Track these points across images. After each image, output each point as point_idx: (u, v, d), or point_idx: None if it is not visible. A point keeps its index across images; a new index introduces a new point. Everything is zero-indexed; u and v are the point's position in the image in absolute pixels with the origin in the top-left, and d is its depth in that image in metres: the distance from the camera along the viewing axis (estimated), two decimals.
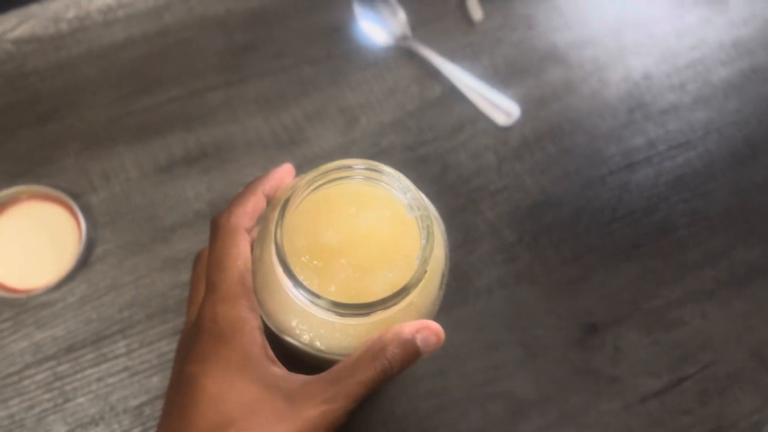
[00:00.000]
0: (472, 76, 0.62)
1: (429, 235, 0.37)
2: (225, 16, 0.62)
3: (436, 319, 0.37)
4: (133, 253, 0.55)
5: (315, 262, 0.39)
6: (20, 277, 0.53)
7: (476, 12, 0.64)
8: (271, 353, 0.35)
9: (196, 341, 0.34)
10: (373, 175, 0.39)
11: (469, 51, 0.64)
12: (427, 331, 0.34)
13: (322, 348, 0.40)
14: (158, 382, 0.52)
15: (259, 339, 0.35)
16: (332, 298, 0.36)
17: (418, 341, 0.34)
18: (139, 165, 0.57)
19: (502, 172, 0.60)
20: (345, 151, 0.59)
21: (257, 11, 0.63)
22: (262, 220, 0.41)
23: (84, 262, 0.54)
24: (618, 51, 0.66)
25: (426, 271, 0.37)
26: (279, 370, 0.34)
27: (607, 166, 0.62)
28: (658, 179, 0.62)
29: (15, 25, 0.60)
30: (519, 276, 0.57)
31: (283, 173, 0.41)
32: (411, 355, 0.34)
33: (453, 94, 0.62)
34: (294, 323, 0.39)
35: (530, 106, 0.62)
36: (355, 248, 0.40)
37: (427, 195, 0.40)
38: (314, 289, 0.38)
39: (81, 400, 0.51)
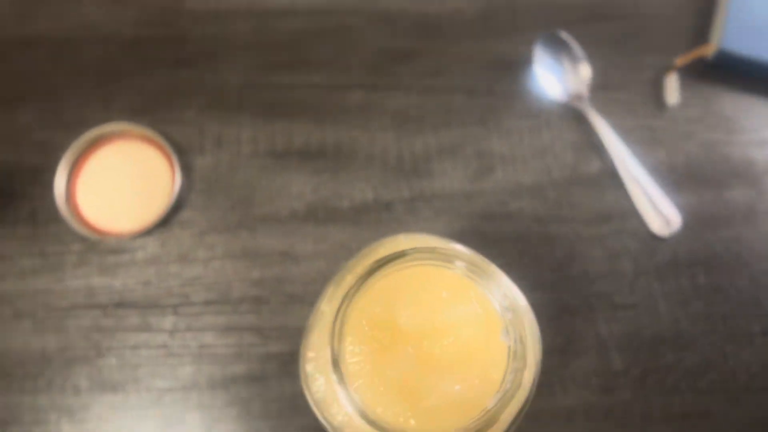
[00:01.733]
0: (641, 166, 0.53)
1: (515, 379, 0.30)
2: (396, 13, 0.56)
3: None
4: (216, 230, 0.51)
5: (380, 337, 0.33)
6: (100, 215, 0.51)
7: (672, 95, 0.55)
8: None
9: None
10: (476, 274, 0.32)
11: (648, 136, 0.54)
12: None
13: None
14: (190, 373, 0.48)
15: None
16: (382, 390, 0.30)
17: None
18: (255, 141, 0.53)
19: (634, 287, 0.51)
20: (467, 200, 0.52)
21: (431, 18, 0.56)
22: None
23: (165, 221, 0.51)
24: None
25: (500, 415, 0.30)
26: None
27: (761, 324, 0.51)
28: None
29: None
30: (609, 413, 0.48)
31: None
32: None
33: (611, 177, 0.53)
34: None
35: (696, 222, 0.52)
36: (429, 341, 0.33)
37: (541, 281, 0.32)
38: (366, 370, 0.32)
39: (112, 360, 0.48)
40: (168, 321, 0.49)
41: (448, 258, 0.32)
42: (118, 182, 0.51)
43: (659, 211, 0.52)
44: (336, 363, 0.30)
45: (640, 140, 0.54)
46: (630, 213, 0.53)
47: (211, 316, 0.49)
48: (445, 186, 0.53)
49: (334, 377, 0.30)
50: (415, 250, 0.32)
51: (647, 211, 0.52)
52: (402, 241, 0.34)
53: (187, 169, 0.52)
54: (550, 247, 0.52)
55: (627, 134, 0.54)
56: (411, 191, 0.52)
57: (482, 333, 0.33)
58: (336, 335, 0.31)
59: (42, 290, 0.50)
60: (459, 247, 0.33)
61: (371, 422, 0.30)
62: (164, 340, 0.49)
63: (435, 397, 0.32)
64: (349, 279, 0.35)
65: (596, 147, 0.54)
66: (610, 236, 0.52)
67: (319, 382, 0.35)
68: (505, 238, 0.52)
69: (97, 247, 0.51)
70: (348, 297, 0.32)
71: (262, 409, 0.48)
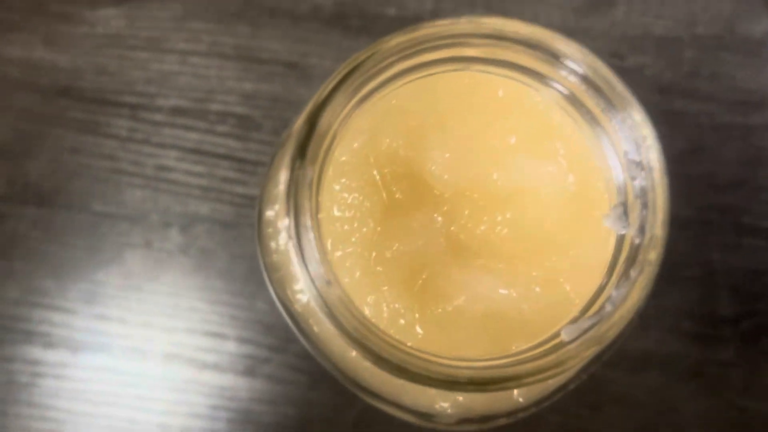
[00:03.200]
0: None
1: (627, 297, 0.16)
2: None
3: None
4: (206, 16, 0.37)
5: (392, 188, 0.19)
6: None
7: None
8: None
9: None
10: (593, 102, 0.17)
11: None
12: None
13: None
14: (140, 200, 0.36)
15: None
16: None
17: None
18: None
19: None
20: None
21: None
22: None
23: None
24: None
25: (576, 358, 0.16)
26: None
27: None
28: None
29: None
30: (699, 370, 0.34)
31: None
32: None
33: None
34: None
35: None
36: (474, 211, 0.19)
37: None
38: (361, 236, 0.19)
39: (41, 163, 0.36)
40: (121, 126, 0.36)
41: (545, 56, 0.16)
42: None
43: None
44: (296, 185, 0.16)
45: None
46: None
47: (179, 131, 0.36)
48: (539, 15, 0.37)
49: (288, 218, 0.16)
50: (485, 32, 0.17)
51: None
52: (464, 25, 0.19)
53: None
54: (670, 130, 0.36)
55: None
56: (488, 11, 0.36)
57: (568, 211, 0.19)
58: (312, 148, 0.17)
59: None
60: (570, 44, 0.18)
61: (342, 316, 0.16)
62: (113, 150, 0.36)
63: (463, 300, 0.19)
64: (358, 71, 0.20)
65: None
66: (759, 131, 0.36)
67: (282, 240, 0.21)
68: None
69: (45, 9, 0.37)
70: (345, 92, 0.17)
71: (225, 266, 0.35)
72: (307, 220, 0.15)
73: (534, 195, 0.19)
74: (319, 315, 0.17)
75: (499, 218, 0.19)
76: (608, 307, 0.15)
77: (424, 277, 0.19)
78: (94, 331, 0.35)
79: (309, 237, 0.15)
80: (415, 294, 0.19)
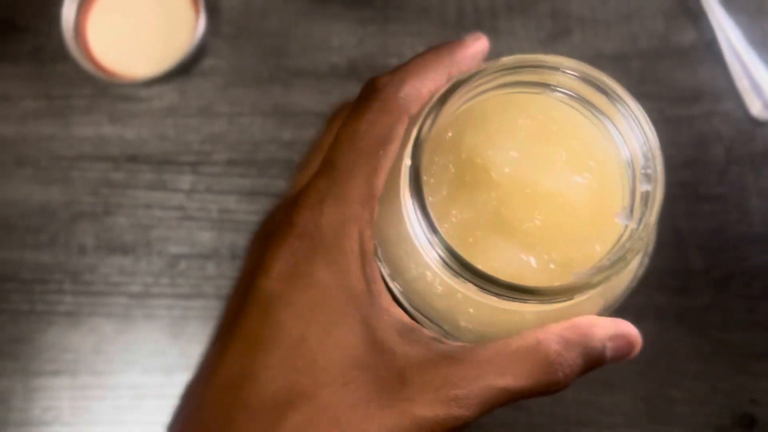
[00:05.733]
0: (745, 38, 0.45)
1: (634, 246, 0.23)
2: None
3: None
4: (244, 83, 0.44)
5: (464, 171, 0.26)
6: (113, 55, 0.44)
7: None
8: (382, 287, 0.24)
9: (283, 236, 0.23)
10: (603, 104, 0.25)
11: (754, 4, 0.46)
12: (623, 340, 0.25)
13: (447, 330, 0.28)
14: (209, 240, 0.43)
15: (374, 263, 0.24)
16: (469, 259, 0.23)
17: (609, 352, 0.24)
18: None
19: (724, 178, 0.44)
20: None
21: None
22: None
23: (186, 69, 0.44)
24: None
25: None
26: (397, 317, 0.23)
27: None
28: None
29: None
30: (683, 315, 0.42)
31: (479, 49, 0.27)
32: (592, 366, 0.24)
33: (708, 51, 0.45)
34: (414, 277, 0.27)
35: None
36: (520, 198, 0.26)
37: None
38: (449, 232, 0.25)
39: (121, 219, 0.43)
40: (186, 180, 0.43)
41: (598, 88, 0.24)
42: (134, 19, 0.44)
43: (761, 91, 0.44)
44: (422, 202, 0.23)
45: (745, 9, 0.46)
46: (726, 92, 0.45)
47: (235, 179, 0.43)
48: (512, 49, 0.45)
49: (408, 185, 0.23)
50: (524, 59, 0.25)
51: (746, 91, 0.44)
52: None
53: (212, 11, 0.45)
54: None
55: (730, 1, 0.46)
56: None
57: (590, 213, 0.26)
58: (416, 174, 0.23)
59: (46, 137, 0.44)
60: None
61: (463, 264, 0.23)
62: (181, 201, 0.43)
63: (498, 263, 0.26)
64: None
65: (693, 14, 0.46)
66: (700, 118, 0.45)
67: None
68: None
69: (109, 92, 0.44)
70: (424, 129, 0.24)
71: None
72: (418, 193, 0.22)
73: (566, 198, 0.26)
74: (429, 277, 0.24)
75: (537, 211, 0.26)
76: (627, 241, 0.23)
77: (470, 240, 0.26)
78: (184, 353, 0.42)
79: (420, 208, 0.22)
80: (465, 250, 0.26)
